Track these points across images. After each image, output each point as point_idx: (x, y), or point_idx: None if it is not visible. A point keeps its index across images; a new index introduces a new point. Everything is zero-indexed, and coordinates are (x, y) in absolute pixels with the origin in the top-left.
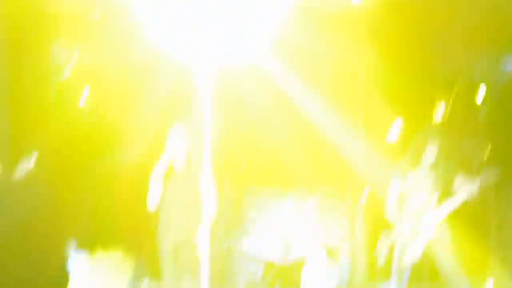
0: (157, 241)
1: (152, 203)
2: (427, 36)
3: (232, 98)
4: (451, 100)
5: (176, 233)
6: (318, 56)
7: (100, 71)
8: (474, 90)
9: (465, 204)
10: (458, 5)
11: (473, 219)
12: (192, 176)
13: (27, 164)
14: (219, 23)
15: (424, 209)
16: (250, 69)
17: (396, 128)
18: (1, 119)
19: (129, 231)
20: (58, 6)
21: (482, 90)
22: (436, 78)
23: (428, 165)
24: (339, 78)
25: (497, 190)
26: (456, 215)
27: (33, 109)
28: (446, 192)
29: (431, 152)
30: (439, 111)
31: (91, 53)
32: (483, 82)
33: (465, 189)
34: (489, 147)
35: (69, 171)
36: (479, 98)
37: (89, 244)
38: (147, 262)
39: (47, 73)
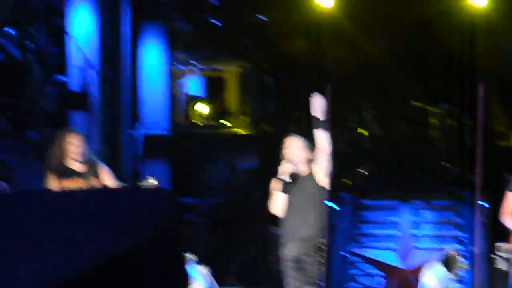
0: (280, 251)
1: (275, 209)
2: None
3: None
4: None
5: (297, 241)
6: None
7: None
8: None
9: None
10: None
11: None
12: (312, 182)
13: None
14: None
15: None
16: None
17: None
18: None
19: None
20: None
21: None
22: None
23: None
24: None
25: None
26: None
27: None
28: None
29: None
30: None
31: None
32: None
33: None
34: None
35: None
36: None
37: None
38: (267, 272)
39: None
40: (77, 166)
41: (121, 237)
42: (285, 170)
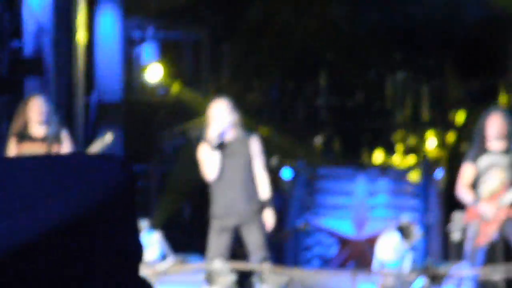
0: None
1: (208, 176)
2: None
3: None
4: None
5: (233, 214)
6: None
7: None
8: None
9: None
10: None
11: None
12: (243, 147)
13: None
14: None
15: (498, 190)
16: None
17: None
18: None
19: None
20: None
21: None
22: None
23: (499, 148)
24: None
25: None
26: None
27: None
28: None
29: (498, 133)
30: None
31: None
32: None
33: None
34: None
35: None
36: None
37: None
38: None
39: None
40: (38, 131)
41: (70, 203)
42: (211, 135)
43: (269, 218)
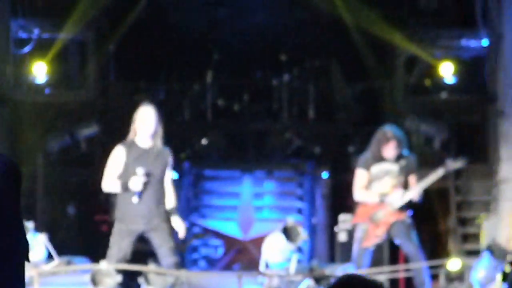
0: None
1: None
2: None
3: None
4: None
5: (138, 217)
6: None
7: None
8: (433, 70)
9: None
10: None
11: (435, 200)
12: (157, 155)
13: None
14: None
15: (387, 193)
16: None
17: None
18: None
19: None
20: None
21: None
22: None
23: (390, 156)
24: None
25: (457, 171)
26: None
27: None
28: (410, 178)
29: (392, 143)
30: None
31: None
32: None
33: (428, 175)
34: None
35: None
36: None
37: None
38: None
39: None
40: None
41: None
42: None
43: (180, 225)
